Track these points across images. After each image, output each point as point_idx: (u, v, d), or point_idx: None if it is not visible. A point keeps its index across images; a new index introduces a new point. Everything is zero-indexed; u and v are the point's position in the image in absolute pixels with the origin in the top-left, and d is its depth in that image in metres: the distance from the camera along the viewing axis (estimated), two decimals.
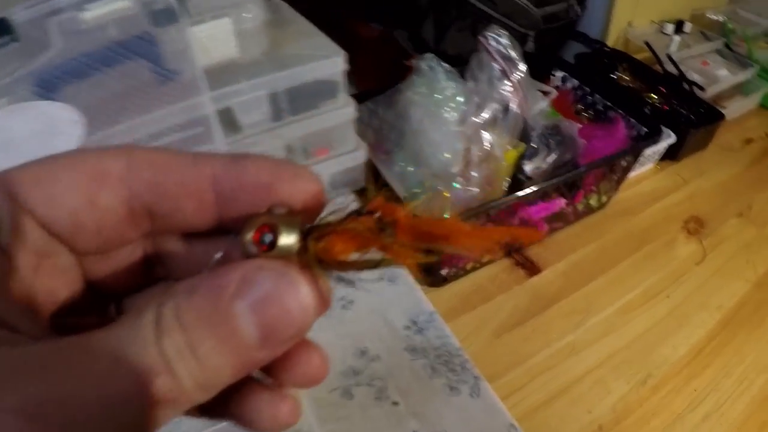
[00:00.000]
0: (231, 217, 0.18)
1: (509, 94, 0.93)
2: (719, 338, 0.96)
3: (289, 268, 0.16)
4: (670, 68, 1.39)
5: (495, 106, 0.93)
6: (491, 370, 0.82)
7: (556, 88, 1.19)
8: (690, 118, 1.28)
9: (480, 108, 0.92)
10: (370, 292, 0.78)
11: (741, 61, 1.53)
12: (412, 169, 0.96)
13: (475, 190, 0.91)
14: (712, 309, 1.00)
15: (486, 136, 0.93)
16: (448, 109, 0.92)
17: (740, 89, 1.50)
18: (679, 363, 0.90)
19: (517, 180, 0.96)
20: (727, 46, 1.55)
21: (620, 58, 1.41)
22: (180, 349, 0.14)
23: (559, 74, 1.23)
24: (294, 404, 0.18)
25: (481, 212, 0.83)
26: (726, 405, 0.87)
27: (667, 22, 1.55)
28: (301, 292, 0.16)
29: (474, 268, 0.95)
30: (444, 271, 0.91)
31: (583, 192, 0.99)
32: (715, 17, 1.61)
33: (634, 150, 1.00)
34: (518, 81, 0.93)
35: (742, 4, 1.69)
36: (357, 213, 0.18)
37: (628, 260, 1.04)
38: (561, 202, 0.94)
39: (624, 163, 1.04)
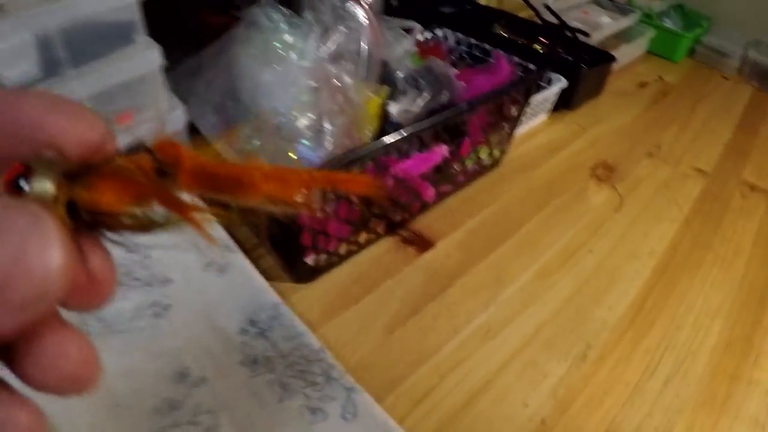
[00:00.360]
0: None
1: (360, 23, 0.75)
2: (659, 288, 0.81)
3: (41, 216, 0.13)
4: (550, 20, 1.30)
5: (341, 38, 0.74)
6: (388, 375, 0.61)
7: (428, 40, 1.03)
8: (579, 63, 1.17)
9: (324, 41, 0.73)
10: (191, 288, 0.54)
11: (621, 8, 1.52)
12: (258, 142, 0.75)
13: (330, 147, 0.71)
14: (643, 257, 0.86)
15: (339, 81, 0.73)
16: (288, 57, 0.72)
17: (625, 37, 1.46)
18: (619, 326, 0.74)
19: (385, 132, 0.76)
20: None
21: (496, 15, 1.30)
22: None
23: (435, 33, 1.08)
24: (34, 415, 0.15)
25: (337, 169, 0.62)
26: (686, 363, 0.72)
27: None
28: (47, 245, 0.13)
29: (350, 253, 0.75)
30: (310, 259, 0.69)
31: (470, 141, 0.82)
32: None
33: (523, 84, 0.85)
34: (368, 4, 0.75)
35: None
36: (131, 151, 0.16)
37: (536, 219, 0.88)
38: (443, 151, 0.76)
39: (514, 111, 0.88)
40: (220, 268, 0.57)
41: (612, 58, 1.25)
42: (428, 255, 0.78)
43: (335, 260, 0.73)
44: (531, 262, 0.81)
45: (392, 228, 0.80)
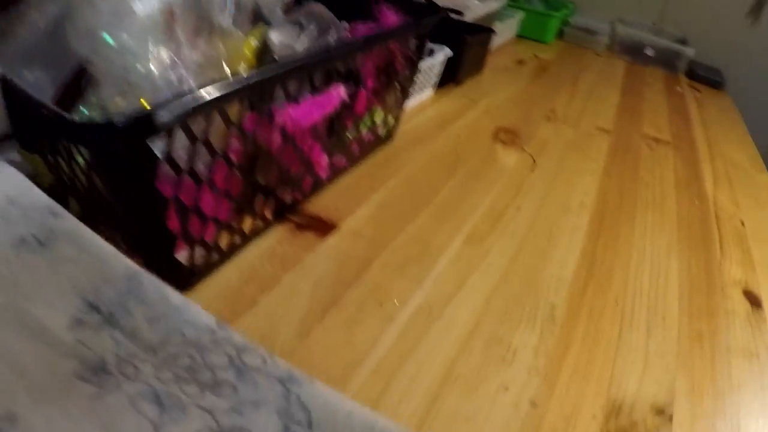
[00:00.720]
0: None
1: None
2: (603, 237, 0.73)
3: None
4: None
5: None
6: None
7: None
8: (461, 34, 1.11)
9: None
10: None
11: None
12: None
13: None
14: (575, 209, 0.77)
15: (201, 16, 0.57)
16: None
17: (495, 20, 1.46)
18: (578, 279, 0.63)
19: None
20: None
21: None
22: None
23: None
24: None
25: (204, 110, 0.44)
26: (660, 306, 0.64)
27: None
28: None
29: (235, 247, 0.57)
30: (183, 256, 0.50)
31: (366, 95, 0.68)
32: None
33: (416, 29, 0.74)
34: None
35: None
36: None
37: (449, 186, 0.77)
38: (340, 93, 0.61)
39: (406, 71, 0.77)
40: (39, 241, 0.36)
41: (491, 30, 1.22)
42: (332, 238, 0.62)
43: (216, 257, 0.55)
44: (457, 229, 0.68)
45: (282, 212, 0.63)
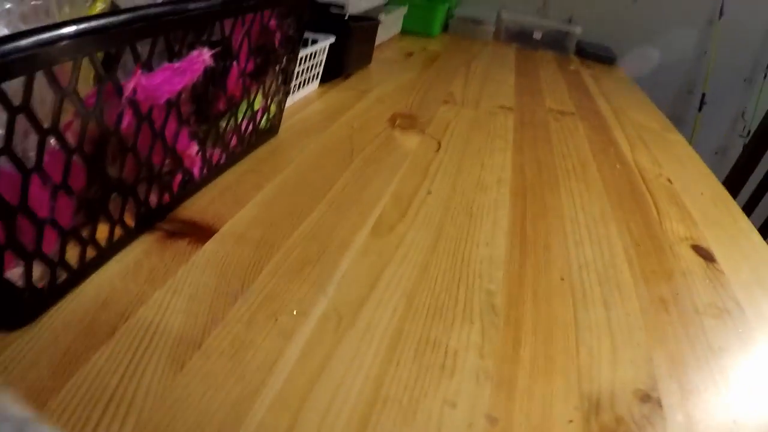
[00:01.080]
0: None
1: None
2: (530, 210, 0.66)
3: None
4: None
5: None
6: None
7: None
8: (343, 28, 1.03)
9: None
10: None
11: None
12: None
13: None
14: (493, 186, 0.69)
15: None
16: None
17: (381, 13, 1.40)
18: (512, 259, 0.54)
19: None
20: None
21: None
22: None
23: None
24: None
25: (23, 66, 0.30)
26: (611, 277, 0.57)
27: None
28: None
29: (89, 262, 0.42)
30: (16, 275, 0.35)
31: (239, 72, 0.55)
32: None
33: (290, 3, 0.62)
34: None
35: None
36: None
37: (346, 175, 0.66)
38: (204, 58, 0.47)
39: (285, 53, 0.66)
40: None
41: (376, 20, 1.15)
42: (211, 245, 0.49)
43: (65, 276, 0.40)
44: (360, 221, 0.57)
45: (148, 218, 0.49)
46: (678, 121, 1.74)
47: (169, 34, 0.42)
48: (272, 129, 0.73)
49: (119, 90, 0.38)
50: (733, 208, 0.75)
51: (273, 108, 0.71)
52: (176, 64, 0.44)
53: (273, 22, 0.60)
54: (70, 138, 0.35)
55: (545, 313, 0.47)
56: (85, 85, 0.35)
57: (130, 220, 0.47)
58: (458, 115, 0.96)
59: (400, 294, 0.47)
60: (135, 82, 0.39)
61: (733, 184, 1.25)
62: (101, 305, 0.40)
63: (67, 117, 0.35)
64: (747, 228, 0.70)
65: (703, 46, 1.93)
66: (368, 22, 1.11)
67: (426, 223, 0.59)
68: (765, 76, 1.90)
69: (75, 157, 0.36)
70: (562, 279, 0.53)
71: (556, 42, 1.63)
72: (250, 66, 0.58)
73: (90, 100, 0.35)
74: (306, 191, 0.62)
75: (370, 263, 0.50)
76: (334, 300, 0.45)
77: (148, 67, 0.40)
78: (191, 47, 0.45)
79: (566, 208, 0.68)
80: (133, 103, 0.40)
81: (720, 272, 0.58)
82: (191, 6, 0.43)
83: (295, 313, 0.42)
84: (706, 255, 0.61)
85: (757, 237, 0.68)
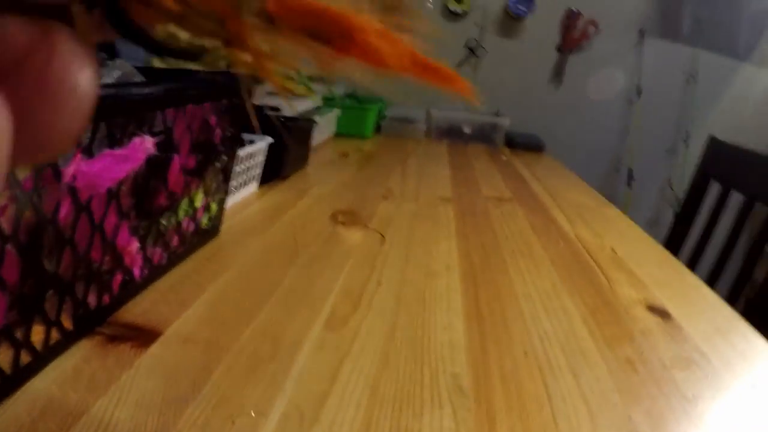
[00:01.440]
0: None
1: None
2: (483, 292, 0.68)
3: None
4: None
5: None
6: None
7: None
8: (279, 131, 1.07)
9: None
10: None
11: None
12: None
13: None
14: (443, 272, 0.72)
15: None
16: None
17: (315, 115, 1.47)
18: (472, 340, 0.55)
19: None
20: None
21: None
22: None
23: None
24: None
25: None
26: (573, 345, 0.57)
27: None
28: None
29: (24, 368, 0.39)
30: None
31: (180, 166, 0.55)
32: None
33: (226, 90, 0.64)
34: None
35: None
36: None
37: (291, 273, 0.66)
38: (146, 146, 0.47)
39: (225, 151, 0.67)
40: None
41: (312, 120, 1.22)
42: (156, 349, 0.47)
43: None
44: (312, 316, 0.56)
45: (87, 321, 0.46)
46: (609, 199, 1.85)
47: (110, 119, 0.42)
48: (214, 229, 0.73)
49: (58, 175, 0.37)
50: (678, 266, 0.79)
51: (214, 207, 0.71)
52: (117, 152, 0.44)
53: (213, 119, 0.61)
54: (4, 224, 0.34)
55: (515, 388, 0.47)
56: (22, 168, 0.34)
57: (68, 322, 0.45)
58: (399, 209, 0.98)
59: (363, 385, 0.45)
60: (75, 167, 0.39)
61: (669, 250, 1.31)
62: (38, 416, 0.37)
63: (1, 200, 0.34)
64: (695, 282, 0.73)
65: (624, 124, 2.10)
66: (304, 123, 1.16)
67: (380, 313, 0.58)
68: (686, 145, 2.07)
69: (9, 247, 0.34)
70: (526, 353, 0.53)
71: (485, 135, 1.73)
72: (191, 162, 0.59)
73: (27, 184, 0.35)
74: (253, 290, 0.61)
75: (328, 357, 0.49)
76: (293, 397, 0.43)
77: (88, 152, 0.40)
78: (133, 135, 0.46)
79: (518, 286, 0.69)
80: (72, 191, 0.39)
81: (678, 327, 0.60)
82: (134, 91, 0.44)
83: (253, 414, 0.40)
84: (661, 313, 0.63)
85: (706, 289, 0.71)
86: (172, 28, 0.13)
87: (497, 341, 0.55)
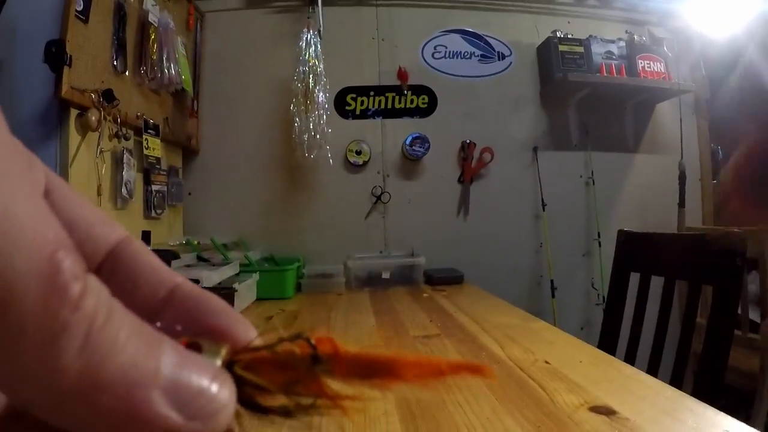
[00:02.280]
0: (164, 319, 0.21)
1: None
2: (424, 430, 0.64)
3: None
4: None
5: None
6: None
7: None
8: None
9: None
10: None
11: (218, 263, 1.58)
12: None
13: None
14: (380, 417, 0.70)
15: None
16: None
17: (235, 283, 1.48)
18: None
19: None
20: (198, 257, 1.64)
21: None
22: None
23: None
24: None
25: None
26: None
27: None
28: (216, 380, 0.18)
29: None
30: None
31: None
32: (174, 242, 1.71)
33: None
34: None
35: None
36: (291, 339, 0.20)
37: None
38: None
39: None
40: None
41: (233, 288, 1.25)
42: None
43: None
44: None
45: None
46: (538, 311, 1.89)
47: None
48: None
49: None
50: (613, 361, 0.80)
51: None
52: None
53: None
54: None
55: None
56: None
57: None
58: None
59: None
60: None
61: (605, 347, 1.33)
62: None
63: None
64: (632, 372, 0.74)
65: (537, 239, 2.21)
66: (225, 291, 1.16)
67: None
68: (599, 244, 2.19)
69: None
70: None
71: (405, 276, 1.76)
72: None
73: None
74: None
75: None
76: None
77: None
78: None
79: (458, 417, 0.67)
80: None
81: (625, 419, 0.61)
82: None
83: None
84: (605, 411, 0.64)
85: (644, 376, 0.72)
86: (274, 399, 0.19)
87: None
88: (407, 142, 2.20)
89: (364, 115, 2.27)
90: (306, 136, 2.00)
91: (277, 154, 2.17)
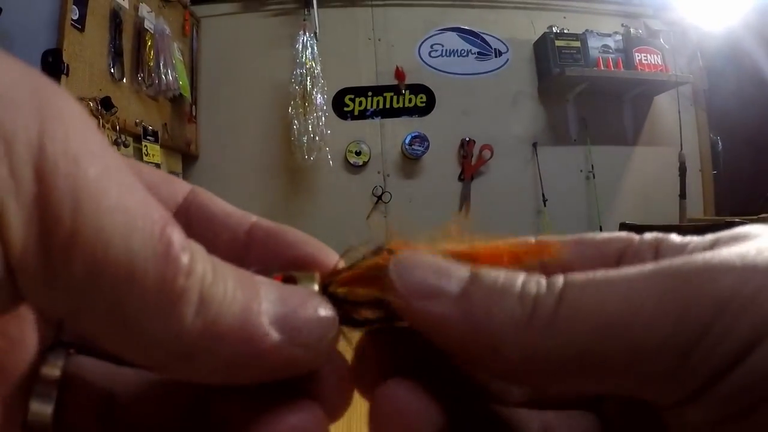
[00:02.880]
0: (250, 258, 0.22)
1: None
2: None
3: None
4: None
5: None
6: None
7: None
8: None
9: None
10: None
11: None
12: None
13: None
14: None
15: None
16: None
17: None
18: None
19: None
20: None
21: None
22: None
23: None
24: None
25: None
26: None
27: None
28: (322, 305, 0.19)
29: None
30: None
31: None
32: None
33: None
34: None
35: None
36: (373, 252, 0.21)
37: None
38: None
39: None
40: None
41: None
42: None
43: None
44: None
45: None
46: None
47: None
48: None
49: None
50: None
51: None
52: None
53: None
54: None
55: None
56: None
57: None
58: None
59: None
60: None
61: None
62: None
63: None
64: None
65: (538, 235, 2.21)
66: None
67: None
68: None
69: None
70: None
71: None
72: None
73: None
74: None
75: None
76: None
77: None
78: None
79: None
80: None
81: None
82: None
83: None
84: None
85: None
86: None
87: None
88: (406, 142, 2.21)
89: (363, 115, 2.27)
90: (305, 138, 2.00)
91: (277, 156, 2.18)
